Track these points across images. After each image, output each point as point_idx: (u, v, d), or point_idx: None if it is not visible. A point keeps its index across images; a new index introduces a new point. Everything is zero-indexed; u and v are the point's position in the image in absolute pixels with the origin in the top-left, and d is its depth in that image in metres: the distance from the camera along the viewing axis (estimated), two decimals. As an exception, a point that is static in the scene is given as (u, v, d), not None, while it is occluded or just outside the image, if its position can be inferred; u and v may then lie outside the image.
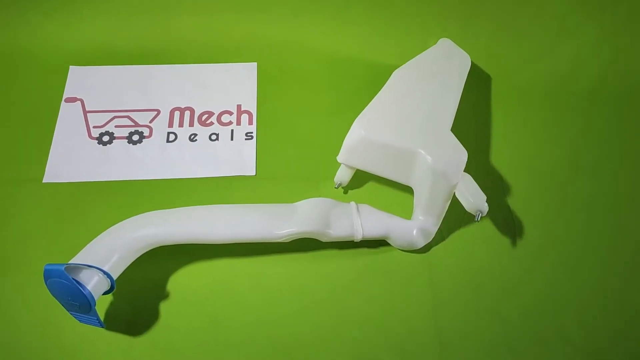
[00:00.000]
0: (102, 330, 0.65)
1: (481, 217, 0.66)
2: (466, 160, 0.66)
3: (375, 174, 0.71)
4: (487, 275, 0.71)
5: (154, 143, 0.81)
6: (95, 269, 0.59)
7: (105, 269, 0.60)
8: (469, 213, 0.70)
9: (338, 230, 0.68)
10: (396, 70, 0.78)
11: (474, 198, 0.66)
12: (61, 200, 0.76)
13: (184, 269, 0.70)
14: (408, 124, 0.69)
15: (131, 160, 0.79)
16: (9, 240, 0.72)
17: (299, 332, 0.66)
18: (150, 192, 0.77)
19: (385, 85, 0.76)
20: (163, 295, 0.68)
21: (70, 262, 0.60)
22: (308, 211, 0.68)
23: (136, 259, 0.66)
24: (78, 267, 0.59)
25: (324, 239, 0.68)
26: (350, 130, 0.70)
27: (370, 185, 0.78)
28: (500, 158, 0.80)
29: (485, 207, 0.66)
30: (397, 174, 0.70)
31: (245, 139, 0.82)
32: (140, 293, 0.69)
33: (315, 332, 0.66)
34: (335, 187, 0.75)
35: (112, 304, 0.68)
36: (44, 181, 0.77)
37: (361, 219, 0.68)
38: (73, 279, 0.57)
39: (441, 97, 0.73)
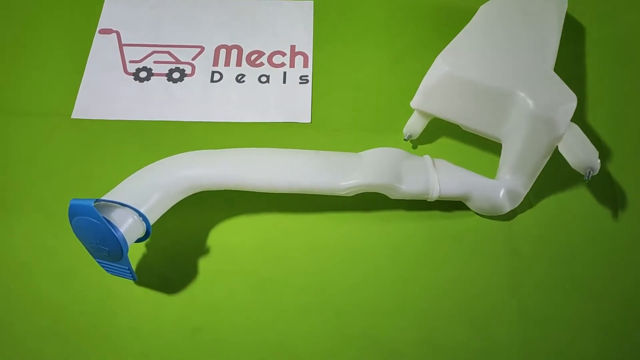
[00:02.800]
0: (133, 284, 0.56)
1: (592, 175, 0.55)
2: (575, 106, 0.55)
3: (456, 122, 0.60)
4: (581, 250, 0.60)
5: (197, 82, 0.71)
6: (130, 209, 0.50)
7: (142, 210, 0.51)
8: (563, 176, 0.59)
9: (411, 185, 0.57)
10: (484, 5, 0.67)
11: (584, 152, 0.55)
12: (90, 138, 0.67)
13: (228, 222, 0.61)
14: (503, 61, 0.58)
15: (170, 99, 0.70)
16: (31, 178, 0.64)
17: (357, 301, 0.57)
18: (191, 135, 0.67)
19: (471, 20, 0.65)
20: (203, 250, 0.59)
21: (101, 198, 0.51)
22: (376, 161, 0.58)
23: (175, 207, 0.57)
24: (110, 206, 0.50)
25: (392, 195, 0.58)
26: (431, 67, 0.59)
27: (444, 141, 0.67)
28: (597, 119, 0.68)
29: (597, 164, 0.55)
30: (483, 122, 0.59)
31: (300, 83, 0.72)
32: (177, 246, 0.59)
33: (375, 302, 0.57)
34: (405, 139, 0.65)
35: (145, 256, 0.59)
36: (72, 117, 0.69)
37: (438, 175, 0.58)
38: (104, 218, 0.48)
39: (539, 35, 0.61)
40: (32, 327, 0.55)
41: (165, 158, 0.56)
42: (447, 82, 0.58)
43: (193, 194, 0.58)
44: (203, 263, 0.58)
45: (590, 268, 0.59)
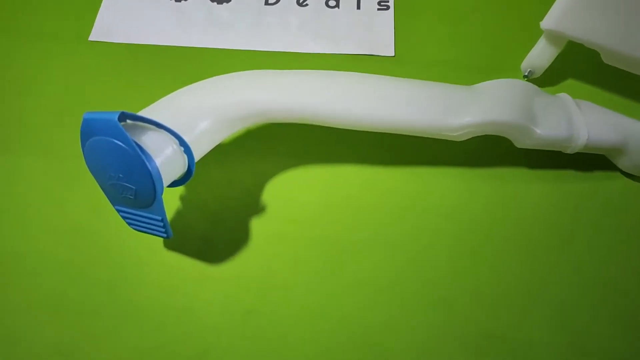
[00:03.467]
0: (164, 248, 0.41)
1: None
2: None
3: (605, 48, 0.44)
4: None
5: (247, 4, 0.56)
6: (169, 135, 0.35)
7: (186, 139, 0.36)
8: None
9: (549, 128, 0.41)
10: None
11: None
12: (112, 65, 0.52)
13: (289, 173, 0.45)
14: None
15: (214, 22, 0.55)
16: (38, 112, 0.49)
17: (463, 286, 0.41)
18: (238, 66, 0.52)
19: None
20: (256, 207, 0.44)
21: (131, 112, 0.35)
22: (501, 94, 0.42)
23: (221, 150, 0.42)
24: (141, 127, 0.35)
25: (520, 142, 0.43)
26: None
27: (574, 82, 0.51)
28: None
29: None
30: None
31: (379, 9, 0.56)
32: (223, 201, 0.44)
33: (489, 290, 0.41)
34: (525, 76, 0.49)
35: (180, 212, 0.44)
36: (90, 39, 0.54)
37: (585, 116, 0.43)
38: (132, 139, 0.33)
39: None
40: (30, 303, 0.40)
41: (219, 76, 0.41)
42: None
43: (248, 130, 0.43)
44: (256, 224, 0.43)
45: None
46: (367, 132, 0.44)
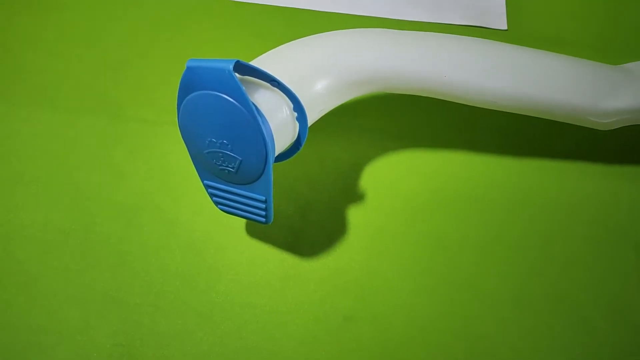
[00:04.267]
0: (246, 235, 0.35)
1: None
2: None
3: None
4: None
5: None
6: (283, 95, 0.28)
7: (302, 101, 0.29)
8: None
9: None
10: None
11: None
12: (185, 17, 0.45)
13: (391, 158, 0.38)
14: None
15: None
16: (96, 61, 0.43)
17: (592, 293, 0.34)
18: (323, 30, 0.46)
19: None
20: (353, 195, 0.37)
21: (249, 63, 0.27)
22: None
23: (314, 124, 0.35)
24: (251, 82, 0.28)
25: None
26: None
27: None
28: None
29: None
30: None
31: (487, -25, 0.50)
32: (314, 186, 0.37)
33: (618, 305, 0.35)
34: (668, 61, 0.43)
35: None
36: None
37: None
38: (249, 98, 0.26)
39: None
40: (88, 295, 0.34)
41: (337, 31, 0.34)
42: None
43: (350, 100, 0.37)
44: (354, 215, 0.36)
45: None
46: (481, 114, 0.38)
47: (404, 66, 0.32)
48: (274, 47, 0.35)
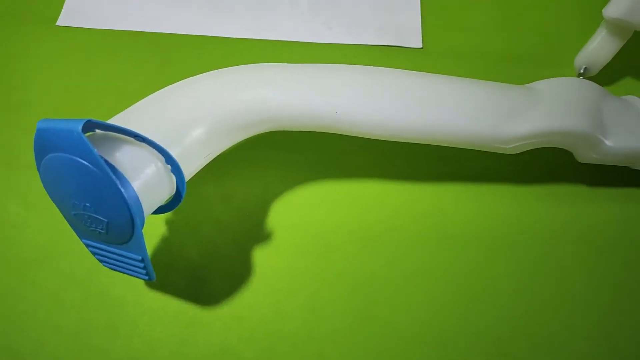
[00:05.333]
0: (145, 286, 0.34)
1: None
2: None
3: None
4: None
5: (248, -16, 0.48)
6: (151, 149, 0.27)
7: (173, 153, 0.28)
8: None
9: (619, 138, 0.34)
10: None
11: None
12: (84, 52, 0.43)
13: (300, 191, 0.37)
14: None
15: (209, 6, 0.46)
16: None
17: (515, 329, 0.34)
18: (239, 58, 0.44)
19: None
20: (260, 233, 0.36)
21: (100, 121, 0.26)
22: (563, 97, 0.35)
23: (217, 164, 0.34)
24: (114, 139, 0.26)
25: (585, 155, 0.35)
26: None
27: (636, 85, 0.44)
28: None
29: None
30: None
31: (402, -8, 0.48)
32: (218, 226, 0.36)
33: (537, 331, 0.34)
34: (580, 74, 0.42)
35: (164, 239, 0.36)
36: (58, 23, 0.45)
37: (664, 124, 0.35)
38: (103, 159, 0.25)
39: None
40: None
41: (217, 70, 0.33)
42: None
43: (253, 140, 0.35)
44: (261, 255, 0.35)
45: None
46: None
47: (292, 105, 0.31)
48: (185, 78, 0.34)
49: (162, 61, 0.43)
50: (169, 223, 0.36)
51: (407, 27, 0.46)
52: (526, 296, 0.35)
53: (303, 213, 0.36)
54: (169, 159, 0.27)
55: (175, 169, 0.27)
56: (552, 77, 0.39)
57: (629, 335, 0.34)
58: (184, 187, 0.28)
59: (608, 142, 0.34)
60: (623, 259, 0.36)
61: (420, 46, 0.45)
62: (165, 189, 0.27)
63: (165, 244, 0.35)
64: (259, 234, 0.36)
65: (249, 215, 0.36)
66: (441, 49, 0.45)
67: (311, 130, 0.33)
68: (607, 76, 0.43)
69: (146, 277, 0.29)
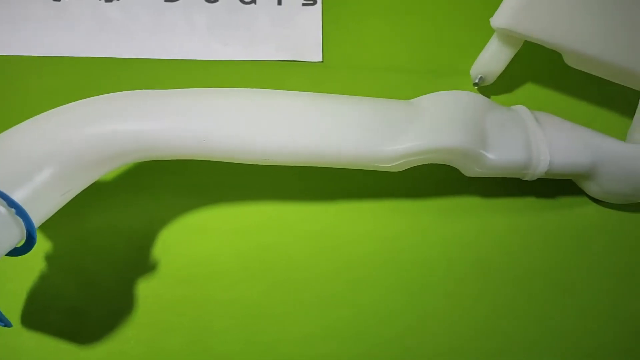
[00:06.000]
0: (23, 331, 0.32)
1: None
2: None
3: (566, 49, 0.36)
4: None
5: (145, 0, 0.47)
6: (-15, 193, 0.26)
7: (15, 197, 0.26)
8: None
9: (502, 151, 0.34)
10: None
11: None
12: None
13: (187, 219, 0.36)
14: None
15: (103, 25, 0.45)
16: None
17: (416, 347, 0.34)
18: (134, 79, 0.42)
19: None
20: (144, 265, 0.34)
21: None
22: (443, 112, 0.34)
23: (97, 188, 0.33)
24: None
25: (470, 170, 0.35)
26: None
27: (533, 88, 0.43)
28: None
29: None
30: (615, 46, 0.34)
31: (304, 4, 0.47)
32: (99, 258, 0.34)
33: (439, 348, 0.34)
34: (475, 84, 0.42)
35: (41, 274, 0.34)
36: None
37: (546, 135, 0.35)
38: None
39: None
40: None
41: (70, 104, 0.31)
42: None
43: (124, 169, 0.34)
44: (145, 288, 0.34)
45: None
46: (286, 160, 0.36)
47: (149, 136, 0.29)
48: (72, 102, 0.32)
49: (48, 87, 0.41)
50: (48, 259, 0.34)
51: (307, 41, 0.45)
52: (415, 312, 0.35)
53: (191, 240, 0.35)
54: (10, 203, 0.26)
55: (20, 212, 0.26)
56: (452, 87, 0.39)
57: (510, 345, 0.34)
58: (34, 231, 0.27)
59: (490, 156, 0.34)
60: (514, 267, 0.36)
61: (320, 60, 0.44)
62: (12, 234, 0.26)
63: (43, 281, 0.33)
64: (145, 265, 0.35)
65: (134, 245, 0.35)
66: (341, 63, 0.44)
67: (186, 159, 0.32)
68: (505, 84, 0.43)
69: (2, 324, 0.27)
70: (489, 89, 0.42)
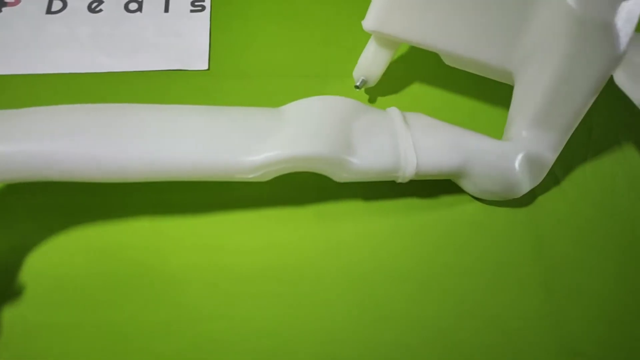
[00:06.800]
0: None
1: None
2: (645, 5, 0.32)
3: (437, 49, 0.37)
4: (636, 247, 0.38)
5: (24, 14, 0.45)
6: None
7: None
8: (613, 129, 0.38)
9: (368, 156, 0.33)
10: None
11: None
12: None
13: (50, 243, 0.35)
14: None
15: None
16: None
17: None
18: (14, 96, 0.41)
19: None
20: (10, 292, 0.33)
21: None
22: (308, 120, 0.34)
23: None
24: None
25: (339, 176, 0.34)
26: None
27: (418, 89, 0.43)
28: None
29: None
30: (483, 44, 0.35)
31: (192, 11, 0.46)
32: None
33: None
34: (357, 87, 0.41)
35: None
36: None
37: (414, 137, 0.35)
38: None
39: None
40: None
41: None
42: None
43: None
44: (8, 313, 0.33)
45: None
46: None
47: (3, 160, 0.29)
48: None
49: None
50: None
51: (193, 49, 0.44)
52: (295, 323, 0.34)
53: (58, 263, 0.34)
54: None
55: None
56: (339, 90, 0.39)
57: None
58: None
59: (355, 161, 0.33)
60: (396, 270, 0.36)
61: (206, 68, 0.43)
62: None
63: None
64: (9, 292, 0.34)
65: (-1, 271, 0.34)
66: (228, 70, 0.43)
67: (34, 180, 0.31)
68: (390, 85, 0.43)
69: None
70: (374, 90, 0.42)
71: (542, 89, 0.34)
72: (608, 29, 0.30)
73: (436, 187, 0.38)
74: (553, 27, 0.32)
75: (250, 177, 0.33)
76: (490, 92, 0.42)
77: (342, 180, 0.35)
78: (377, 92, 0.42)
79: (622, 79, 0.32)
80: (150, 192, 0.36)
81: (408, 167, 0.34)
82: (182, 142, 0.32)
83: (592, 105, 0.35)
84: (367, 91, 0.42)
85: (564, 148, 0.37)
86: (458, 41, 0.36)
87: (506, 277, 0.36)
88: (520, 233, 0.38)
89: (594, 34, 0.31)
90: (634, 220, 0.38)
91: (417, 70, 0.43)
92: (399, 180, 0.35)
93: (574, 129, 0.35)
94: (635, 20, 0.31)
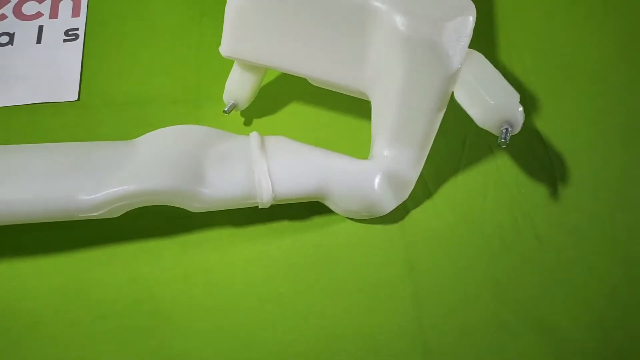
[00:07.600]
0: None
1: (510, 135, 0.32)
2: (474, 21, 0.32)
3: (291, 71, 0.37)
4: (505, 256, 0.38)
5: None
6: None
7: None
8: (476, 142, 0.38)
9: (220, 186, 0.33)
10: None
11: (495, 97, 0.32)
12: None
13: None
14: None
15: None
16: None
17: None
18: None
19: None
20: None
21: None
22: (157, 151, 0.33)
23: None
24: None
25: (194, 206, 0.34)
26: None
27: (295, 108, 0.43)
28: (516, 55, 0.47)
29: (519, 115, 0.32)
30: (330, 66, 0.35)
31: (65, 40, 0.45)
32: None
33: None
34: (225, 112, 0.40)
35: None
36: None
37: (269, 162, 0.34)
38: None
39: None
40: None
41: None
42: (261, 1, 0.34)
43: None
44: None
45: (519, 281, 0.37)
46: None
47: None
48: None
49: None
50: None
51: (64, 80, 0.43)
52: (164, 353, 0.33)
53: None
54: None
55: None
56: (213, 115, 0.38)
57: None
58: None
59: (207, 191, 0.33)
60: (261, 296, 0.35)
61: (76, 99, 0.42)
62: None
63: None
64: None
65: None
66: (99, 100, 0.42)
67: None
68: (267, 107, 0.42)
69: None
70: (249, 112, 0.42)
71: (391, 108, 0.34)
72: (436, 49, 0.30)
73: (308, 208, 0.38)
74: (389, 49, 0.32)
75: (95, 215, 0.32)
76: (367, 109, 0.41)
77: (196, 211, 0.34)
78: (253, 113, 0.42)
79: (460, 96, 0.32)
80: (4, 234, 0.36)
81: (264, 193, 0.33)
82: (22, 184, 0.31)
83: (465, 116, 0.35)
84: (243, 113, 0.42)
85: (436, 159, 0.38)
86: (308, 63, 0.35)
87: (377, 296, 0.36)
88: (392, 249, 0.37)
89: (424, 54, 0.31)
90: (502, 229, 0.38)
91: (294, 90, 0.43)
92: (260, 206, 0.35)
93: (429, 145, 0.35)
94: (466, 39, 0.31)
